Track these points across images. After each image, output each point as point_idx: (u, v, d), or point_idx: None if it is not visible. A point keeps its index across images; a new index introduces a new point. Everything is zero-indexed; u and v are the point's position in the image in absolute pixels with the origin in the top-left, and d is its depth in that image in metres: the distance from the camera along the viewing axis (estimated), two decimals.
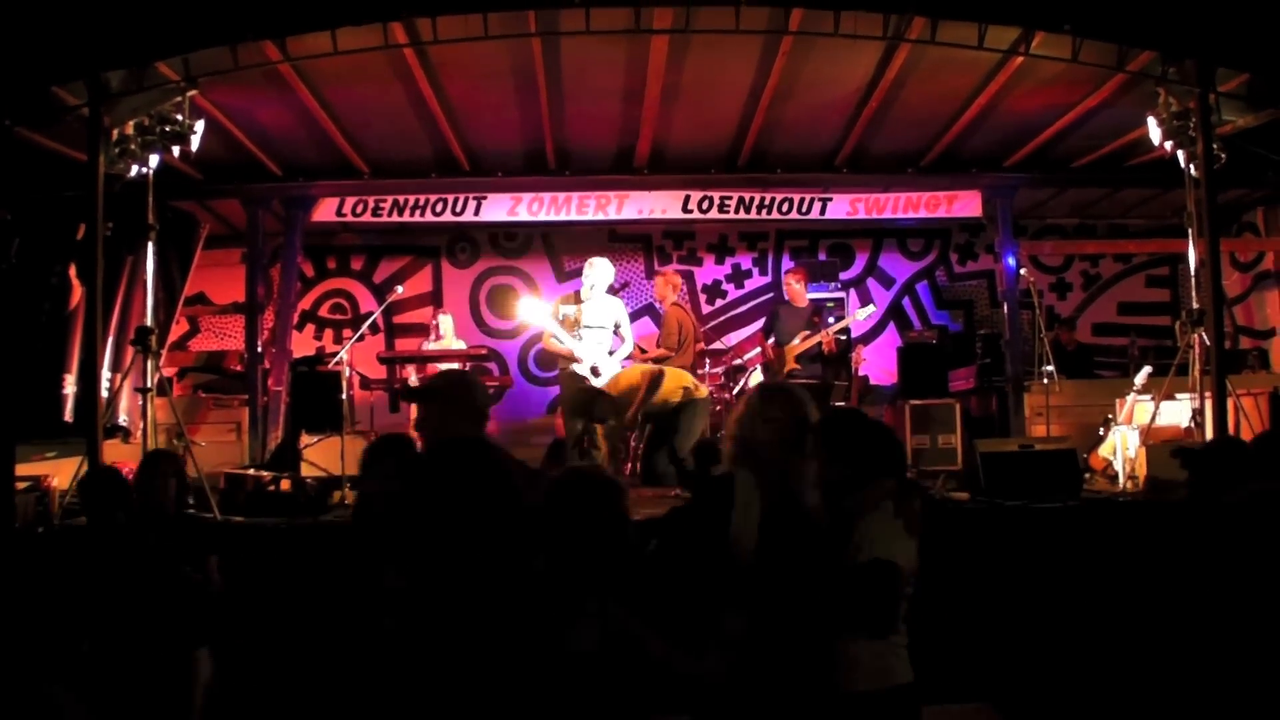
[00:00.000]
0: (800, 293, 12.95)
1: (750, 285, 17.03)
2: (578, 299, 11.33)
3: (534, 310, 12.06)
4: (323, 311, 16.81)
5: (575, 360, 11.12)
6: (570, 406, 11.14)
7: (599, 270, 11.37)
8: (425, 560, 4.44)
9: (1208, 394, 9.64)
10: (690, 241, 16.94)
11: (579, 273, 16.17)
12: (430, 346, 13.45)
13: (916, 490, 4.83)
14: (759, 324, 15.52)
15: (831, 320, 13.53)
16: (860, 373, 13.89)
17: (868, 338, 15.97)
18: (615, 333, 11.35)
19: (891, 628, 4.22)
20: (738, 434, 4.49)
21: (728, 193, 14.05)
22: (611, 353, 11.29)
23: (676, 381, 11.07)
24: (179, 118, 9.68)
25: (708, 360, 13.80)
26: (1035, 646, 7.41)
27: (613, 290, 12.08)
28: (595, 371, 10.98)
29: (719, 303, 16.88)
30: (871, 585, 4.09)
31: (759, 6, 9.08)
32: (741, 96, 11.51)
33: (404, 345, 15.87)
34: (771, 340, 12.83)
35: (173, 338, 13.67)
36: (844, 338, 13.24)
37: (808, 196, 14.14)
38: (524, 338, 16.64)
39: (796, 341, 12.37)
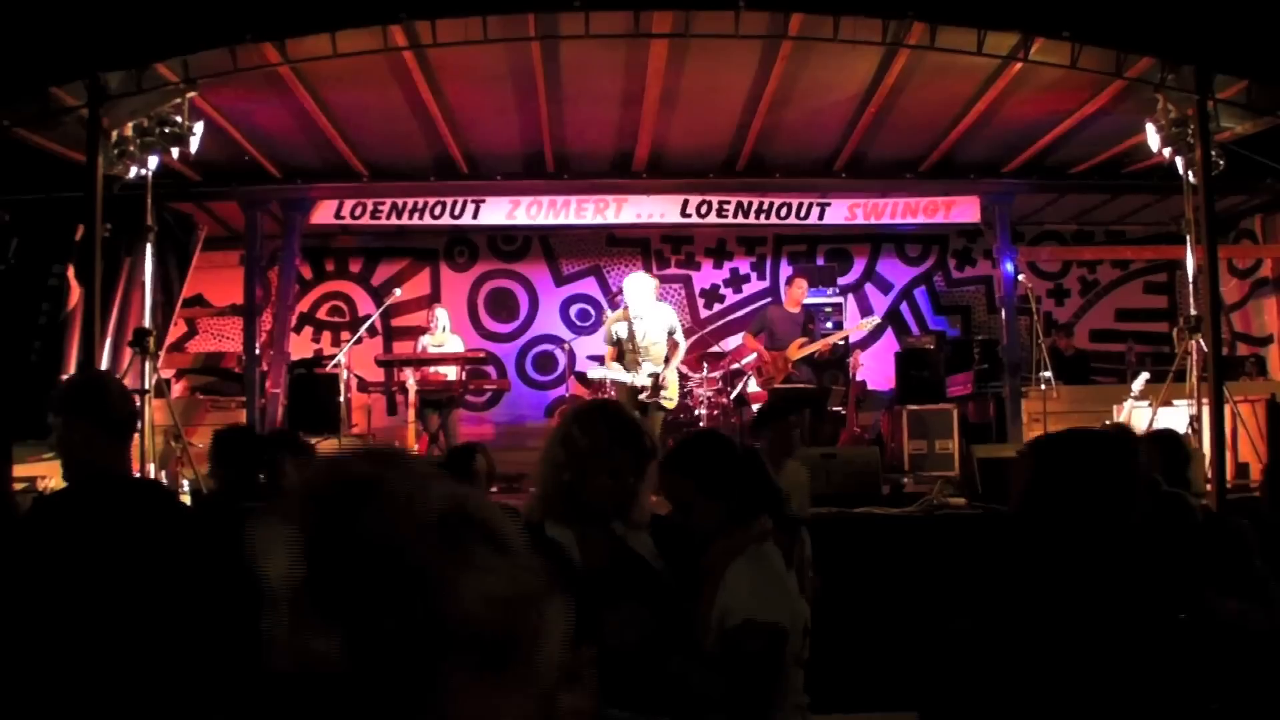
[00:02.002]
0: (799, 299, 12.96)
1: (748, 290, 17.04)
2: (627, 316, 11.20)
3: (599, 371, 11.91)
4: (321, 314, 16.82)
5: (639, 389, 11.06)
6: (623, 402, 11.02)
7: (636, 287, 11.22)
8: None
9: (1205, 401, 9.64)
10: (688, 246, 16.95)
11: (577, 276, 16.29)
12: (427, 340, 13.44)
13: (799, 528, 4.56)
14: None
15: (829, 325, 13.54)
16: (858, 378, 13.89)
17: (865, 343, 15.95)
18: (670, 338, 11.24)
19: (772, 708, 3.59)
20: (553, 477, 3.65)
21: (726, 197, 14.05)
22: (668, 360, 11.17)
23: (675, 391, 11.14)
24: (178, 119, 9.67)
25: (705, 364, 13.81)
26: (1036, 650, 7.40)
27: (662, 296, 11.96)
28: (658, 384, 10.88)
29: (716, 307, 16.89)
30: (742, 655, 3.46)
31: (758, 11, 9.08)
32: (740, 101, 11.52)
33: (402, 348, 15.86)
34: (765, 345, 12.82)
35: (171, 339, 13.68)
36: (841, 342, 13.25)
37: (806, 201, 14.13)
38: (522, 341, 16.66)
39: (792, 348, 12.37)
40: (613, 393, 11.43)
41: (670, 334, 11.11)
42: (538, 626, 1.48)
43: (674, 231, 16.43)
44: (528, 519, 3.64)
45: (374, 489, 1.49)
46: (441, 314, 13.58)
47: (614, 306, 14.95)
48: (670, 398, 10.91)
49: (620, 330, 11.03)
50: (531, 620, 1.48)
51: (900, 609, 7.32)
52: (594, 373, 11.63)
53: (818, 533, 6.03)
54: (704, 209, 14.05)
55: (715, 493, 3.76)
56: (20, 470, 8.75)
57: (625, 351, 10.95)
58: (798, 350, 12.26)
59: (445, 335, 13.42)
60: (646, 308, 11.00)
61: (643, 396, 10.78)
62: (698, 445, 4.07)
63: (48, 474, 8.87)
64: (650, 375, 10.76)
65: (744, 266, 17.12)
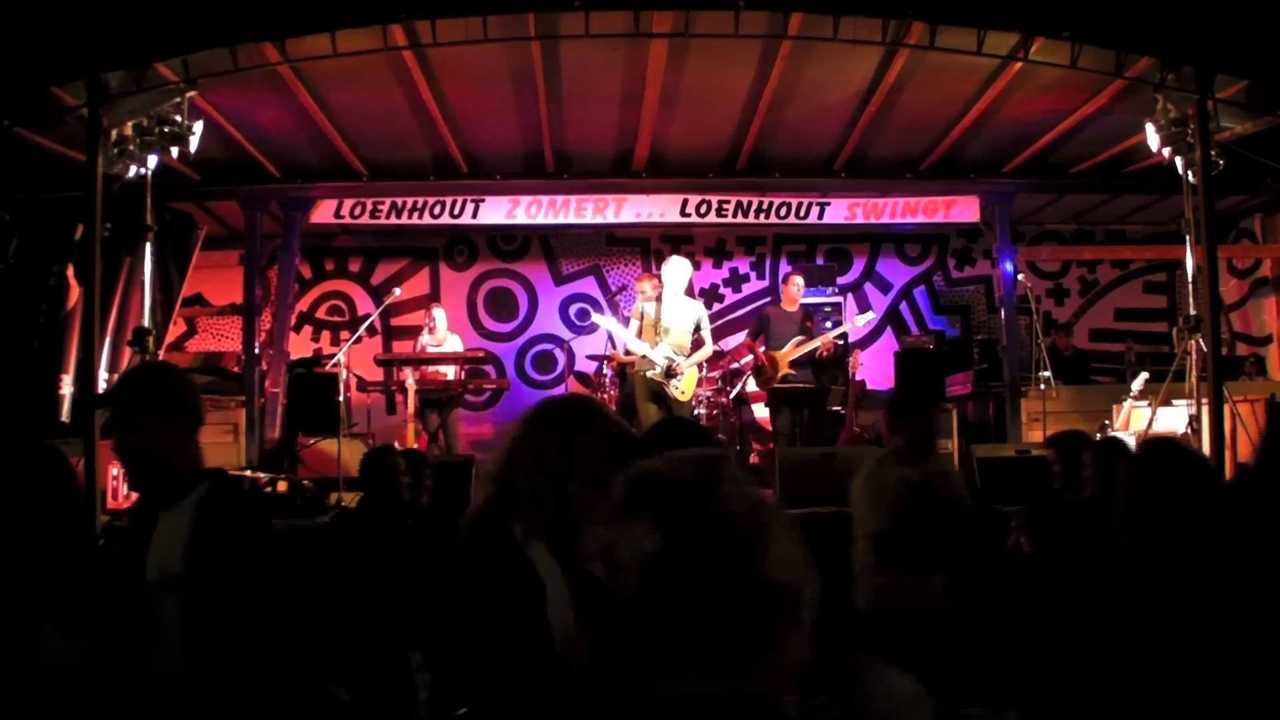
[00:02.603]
0: (796, 297, 12.94)
1: (748, 289, 17.05)
2: (659, 299, 11.17)
3: (605, 319, 11.88)
4: (320, 313, 16.82)
5: (650, 364, 10.99)
6: (643, 394, 10.97)
7: (674, 270, 11.16)
8: None
9: (1204, 400, 9.64)
10: (688, 245, 16.91)
11: (577, 276, 16.28)
12: (426, 340, 13.43)
13: None
14: None
15: (829, 325, 13.53)
16: (857, 377, 13.88)
17: (865, 342, 15.96)
18: (696, 334, 11.19)
19: None
20: (538, 483, 3.21)
21: (726, 197, 14.05)
22: (692, 354, 11.12)
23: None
24: (178, 119, 9.68)
25: (705, 364, 13.79)
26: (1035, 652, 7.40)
27: (690, 292, 11.90)
28: (672, 372, 10.84)
29: (716, 306, 16.86)
30: None
31: (758, 11, 9.08)
32: (740, 100, 11.52)
33: (401, 347, 15.84)
34: (763, 347, 12.80)
35: (170, 338, 13.67)
36: (841, 342, 13.25)
37: (806, 201, 14.14)
38: (521, 340, 16.67)
39: (790, 346, 12.35)
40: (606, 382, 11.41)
41: (697, 328, 11.08)
42: (809, 582, 2.00)
43: (673, 231, 16.42)
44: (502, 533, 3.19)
45: (716, 482, 2.06)
46: (439, 314, 13.57)
47: (613, 306, 14.95)
48: (683, 390, 10.86)
49: (648, 309, 11.00)
50: (807, 578, 2.00)
51: None
52: (604, 320, 11.61)
53: (818, 531, 6.02)
54: (703, 208, 14.05)
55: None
56: None
57: (645, 329, 10.93)
58: (794, 350, 12.23)
59: (444, 334, 13.41)
60: (677, 293, 11.00)
61: (651, 373, 10.75)
62: (674, 432, 3.83)
63: None
64: (666, 357, 10.73)
65: (743, 266, 17.12)
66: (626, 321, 11.55)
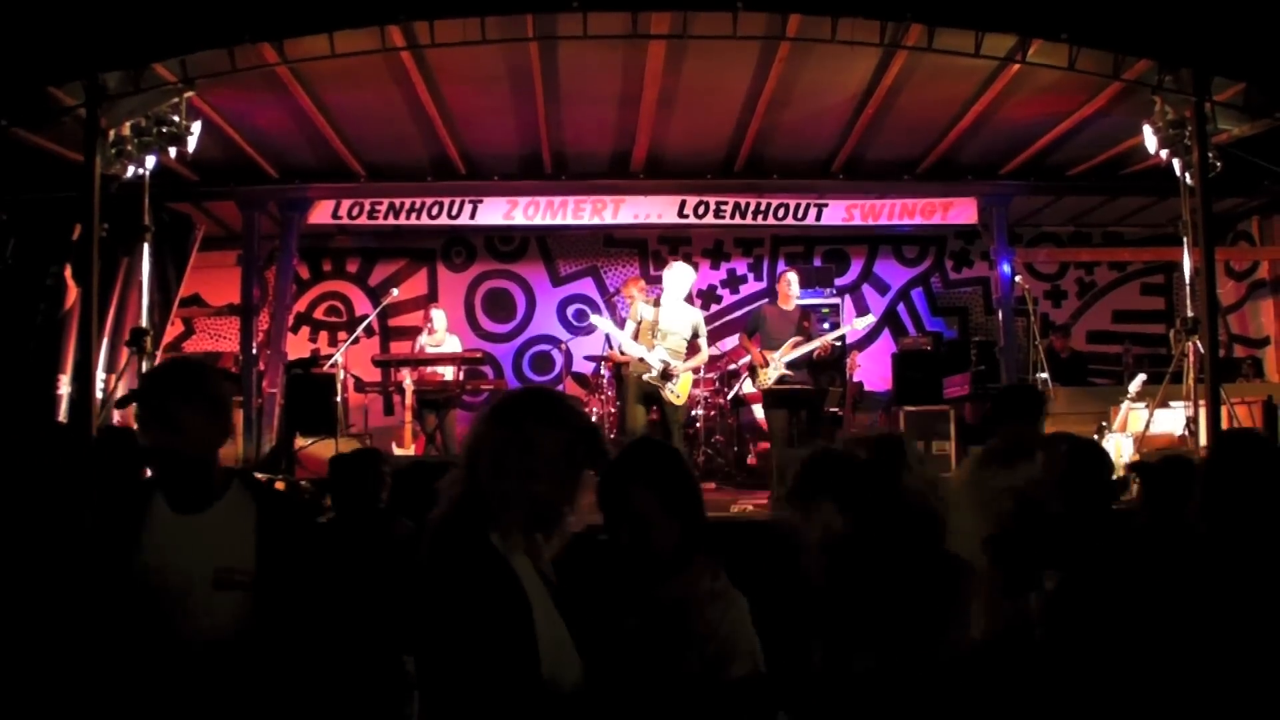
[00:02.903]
0: (793, 296, 12.92)
1: (745, 291, 17.05)
2: (658, 302, 11.11)
3: (603, 321, 11.85)
4: (318, 314, 16.81)
5: (645, 367, 10.89)
6: (634, 396, 10.94)
7: (676, 275, 11.08)
8: None
9: (1202, 402, 9.65)
10: (686, 246, 16.93)
11: (574, 277, 16.29)
12: (424, 341, 13.43)
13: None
14: None
15: (826, 326, 13.52)
16: (855, 379, 13.89)
17: (862, 344, 15.95)
18: (693, 340, 11.14)
19: None
20: (517, 487, 2.99)
21: (724, 198, 14.05)
22: (685, 359, 11.07)
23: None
24: (176, 119, 9.67)
25: (702, 365, 13.80)
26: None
27: (690, 299, 11.86)
28: (667, 374, 10.79)
29: (714, 308, 16.87)
30: (749, 710, 3.08)
31: (756, 12, 9.07)
32: (738, 102, 11.52)
33: (399, 348, 15.85)
34: (759, 347, 12.78)
35: (167, 339, 13.66)
36: (839, 343, 13.23)
37: (803, 202, 14.13)
38: (519, 341, 16.67)
39: (787, 345, 12.33)
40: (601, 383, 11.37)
41: (694, 335, 11.03)
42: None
43: (671, 232, 16.44)
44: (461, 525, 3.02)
45: (902, 460, 2.42)
46: (438, 315, 13.55)
47: (610, 307, 14.95)
48: (677, 394, 10.83)
49: (647, 312, 10.96)
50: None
51: None
52: (613, 331, 11.54)
53: None
54: (701, 210, 14.04)
55: (678, 510, 3.28)
56: None
57: (643, 332, 10.88)
58: (789, 349, 12.21)
59: (443, 335, 13.40)
60: (677, 298, 10.95)
61: (647, 376, 10.70)
62: (657, 453, 3.50)
63: None
64: (662, 360, 10.68)
65: (741, 267, 17.12)
66: (623, 323, 11.54)
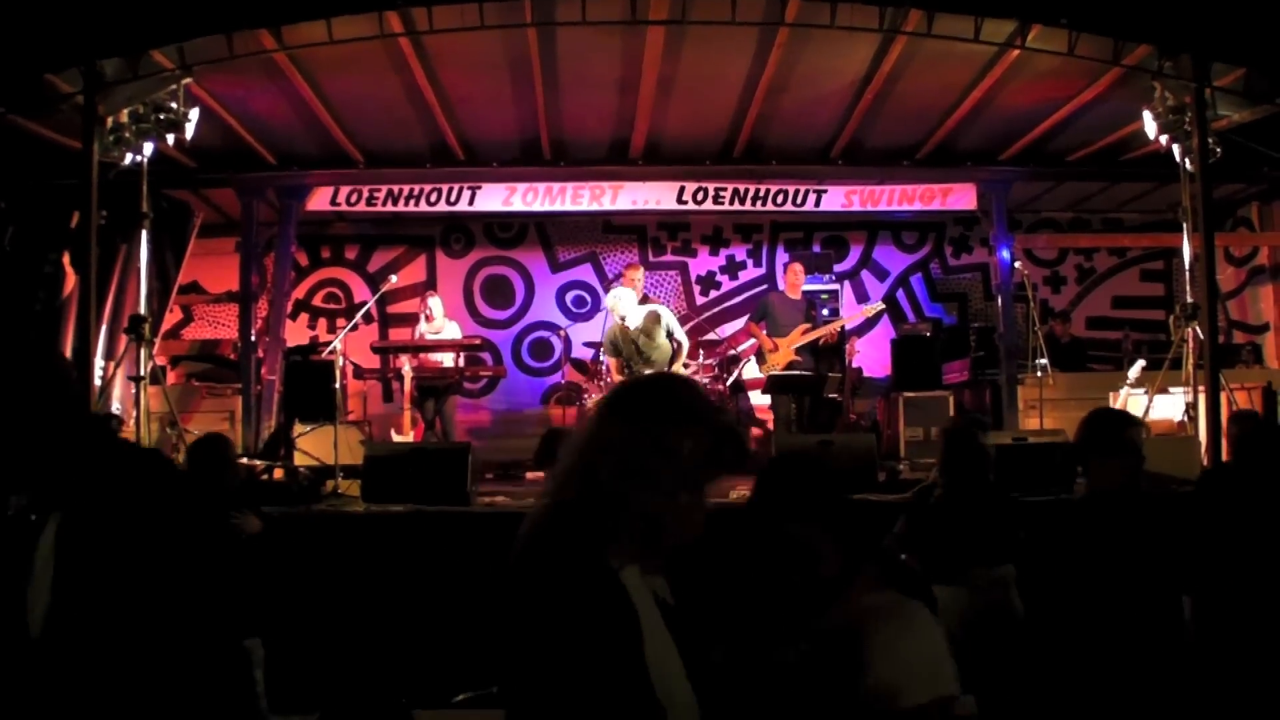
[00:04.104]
0: (800, 285, 12.94)
1: (745, 277, 17.01)
2: (623, 326, 10.99)
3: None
4: (317, 301, 16.79)
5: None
6: None
7: (617, 301, 11.00)
8: None
9: (1201, 388, 9.66)
10: (685, 233, 16.92)
11: (573, 263, 16.30)
12: (423, 329, 13.42)
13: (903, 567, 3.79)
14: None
15: (827, 312, 13.53)
16: (854, 365, 13.89)
17: (861, 330, 15.95)
18: (670, 338, 11.08)
19: None
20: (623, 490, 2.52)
21: (723, 184, 14.02)
22: (673, 362, 11.01)
23: None
24: (174, 106, 9.66)
25: (701, 351, 13.80)
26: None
27: (645, 300, 11.80)
28: None
29: (713, 294, 16.86)
30: None
31: None
32: (737, 88, 11.51)
33: (398, 335, 15.83)
34: (765, 330, 12.76)
35: (166, 326, 13.68)
36: (840, 330, 13.24)
37: (803, 188, 14.10)
38: (518, 328, 16.66)
39: (796, 333, 12.34)
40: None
41: (670, 335, 10.98)
42: None
43: (670, 218, 16.41)
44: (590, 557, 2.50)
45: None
46: (435, 303, 13.53)
47: (609, 293, 14.95)
48: None
49: (618, 339, 10.93)
50: None
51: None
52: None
53: None
54: (700, 196, 14.02)
55: (842, 534, 3.03)
56: None
57: (628, 360, 10.85)
58: (800, 336, 12.22)
59: (442, 322, 13.39)
60: (635, 315, 10.90)
61: None
62: (810, 474, 3.17)
63: None
64: None
65: (740, 253, 17.09)
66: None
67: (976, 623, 5.38)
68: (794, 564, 2.96)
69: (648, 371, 10.67)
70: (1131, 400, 11.14)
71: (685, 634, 2.61)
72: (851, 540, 3.00)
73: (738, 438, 2.66)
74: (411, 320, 14.92)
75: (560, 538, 2.52)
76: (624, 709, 2.34)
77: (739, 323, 15.99)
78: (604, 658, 2.36)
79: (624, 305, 10.96)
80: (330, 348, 12.46)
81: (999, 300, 13.70)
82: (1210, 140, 9.80)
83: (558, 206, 14.18)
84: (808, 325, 12.40)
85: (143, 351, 9.54)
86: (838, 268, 16.16)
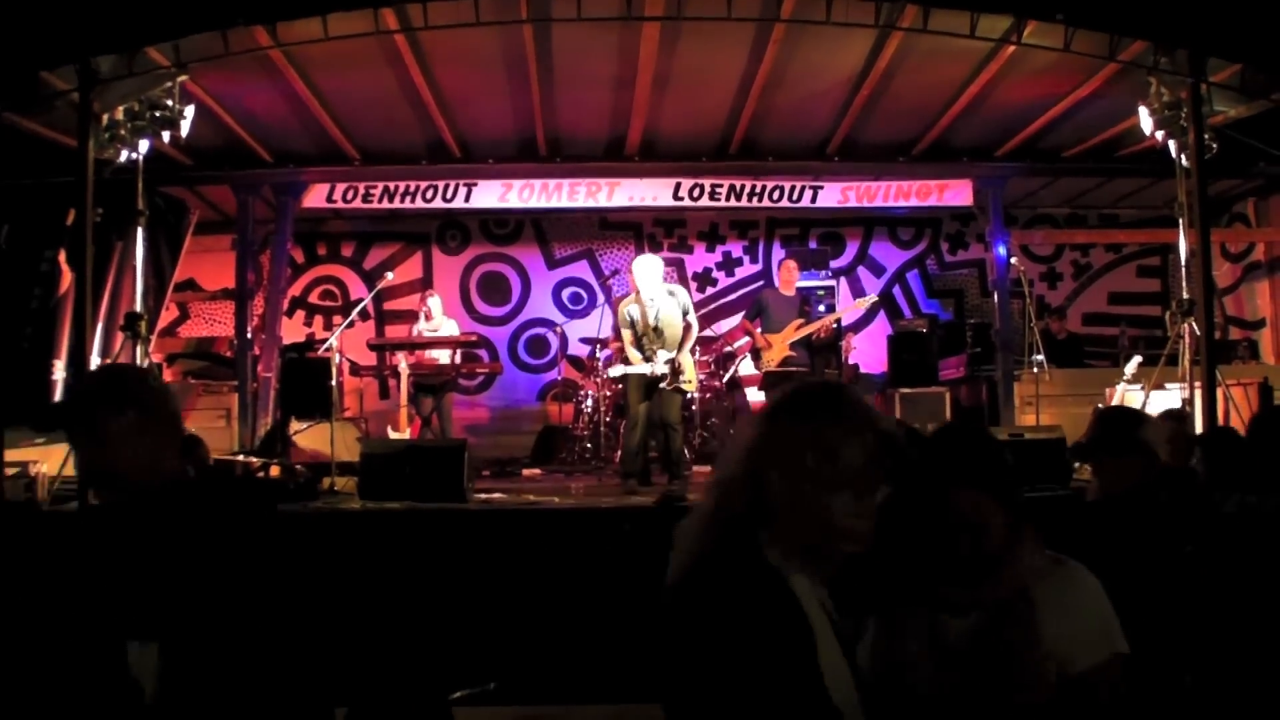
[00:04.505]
0: (793, 281, 12.94)
1: (741, 273, 17.04)
2: (640, 300, 10.90)
3: (620, 369, 11.59)
4: (313, 298, 16.80)
5: (658, 378, 10.65)
6: (635, 388, 10.85)
7: (645, 269, 10.88)
8: None
9: (1197, 384, 9.65)
10: (681, 229, 16.94)
11: (570, 260, 16.28)
12: (421, 327, 13.42)
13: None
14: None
15: (822, 308, 13.53)
16: (850, 361, 13.89)
17: (858, 326, 15.98)
18: (684, 319, 11.00)
19: None
20: (796, 496, 2.50)
21: (719, 180, 14.03)
22: (683, 343, 10.93)
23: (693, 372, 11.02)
24: (169, 103, 9.66)
25: (697, 348, 13.79)
26: None
27: (668, 277, 11.73)
28: (676, 369, 10.69)
29: (709, 290, 16.88)
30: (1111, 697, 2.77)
31: None
32: (733, 84, 11.50)
33: (394, 332, 15.85)
34: (760, 329, 12.76)
35: (162, 324, 13.66)
36: (835, 325, 13.24)
37: (799, 184, 14.12)
38: (514, 324, 16.66)
39: (789, 328, 12.34)
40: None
41: (684, 314, 10.89)
42: None
43: (666, 215, 16.43)
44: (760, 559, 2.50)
45: None
46: (434, 301, 13.52)
47: (605, 290, 14.94)
48: (689, 379, 10.76)
49: (634, 312, 10.82)
50: None
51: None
52: (614, 371, 11.37)
53: None
54: (696, 192, 14.03)
55: (1009, 502, 2.98)
56: (11, 455, 8.73)
57: (640, 335, 10.76)
58: (794, 332, 12.22)
59: (440, 320, 13.38)
60: (657, 289, 10.80)
61: (663, 385, 10.62)
62: (976, 444, 3.15)
63: (39, 459, 8.85)
64: (667, 362, 10.57)
65: (736, 250, 17.11)
66: (615, 305, 11.49)
67: None
68: (962, 535, 2.93)
69: (660, 349, 10.61)
70: (1128, 396, 11.14)
71: (848, 640, 2.62)
72: (1018, 507, 2.98)
73: (898, 444, 2.62)
74: (408, 317, 14.94)
75: (731, 547, 2.49)
76: (787, 708, 2.33)
77: (735, 319, 15.99)
78: (782, 668, 2.34)
79: (646, 275, 10.80)
80: (326, 345, 12.46)
81: (995, 296, 13.70)
82: (1206, 136, 9.78)
83: (554, 203, 14.20)
84: (801, 321, 12.40)
85: (139, 349, 9.52)
86: (834, 264, 16.18)
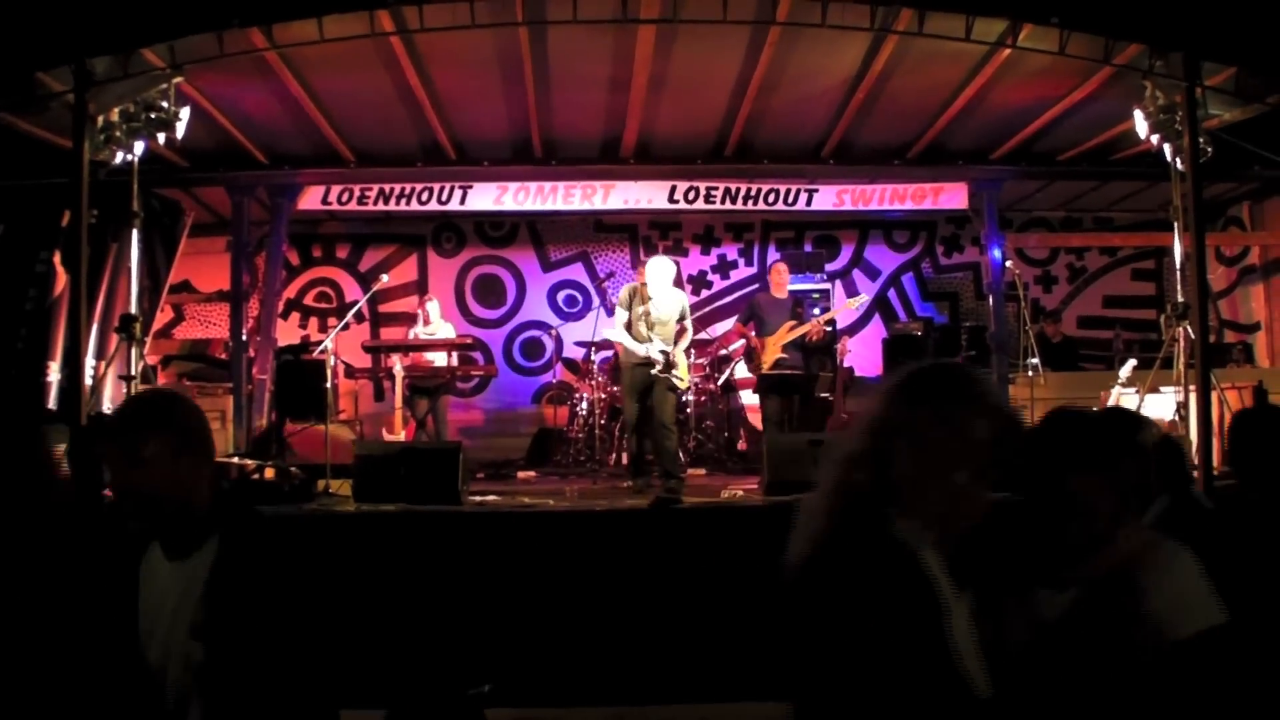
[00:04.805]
0: (784, 284, 12.95)
1: (736, 276, 17.04)
2: (644, 292, 10.93)
3: (613, 332, 11.73)
4: (308, 300, 16.79)
5: (650, 360, 10.73)
6: (629, 387, 10.89)
7: (660, 267, 10.95)
8: None
9: (1192, 388, 9.65)
10: (676, 232, 16.94)
11: (565, 262, 16.27)
12: (419, 332, 13.41)
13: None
14: None
15: (816, 311, 13.53)
16: (845, 364, 13.89)
17: (853, 329, 15.97)
18: (680, 322, 11.01)
19: None
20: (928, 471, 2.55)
21: (714, 183, 14.03)
22: (676, 342, 10.93)
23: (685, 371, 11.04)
24: (164, 105, 9.64)
25: (692, 350, 13.79)
26: None
27: (678, 283, 11.76)
28: (670, 364, 10.69)
29: (705, 293, 16.88)
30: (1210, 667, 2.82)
31: None
32: (728, 87, 11.51)
33: (389, 334, 15.86)
34: (754, 333, 12.76)
35: (157, 325, 13.63)
36: (830, 328, 13.24)
37: (794, 187, 14.12)
38: (509, 327, 16.66)
39: (782, 330, 12.35)
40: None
41: (680, 319, 10.93)
42: None
43: (662, 217, 16.43)
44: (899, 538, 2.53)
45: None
46: (433, 307, 13.53)
47: (600, 293, 14.92)
48: (681, 377, 10.79)
49: (634, 300, 10.86)
50: None
51: None
52: (609, 332, 11.42)
53: None
54: (691, 195, 14.03)
55: (1120, 483, 3.07)
56: None
57: (635, 320, 10.79)
58: (787, 334, 12.24)
59: (438, 325, 13.39)
60: (663, 290, 10.84)
61: (654, 370, 10.63)
62: (1090, 428, 3.24)
63: None
64: (661, 351, 10.59)
65: (731, 253, 17.11)
66: (612, 309, 11.50)
67: None
68: (1073, 517, 3.01)
69: (654, 337, 10.63)
70: (1123, 399, 11.14)
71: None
72: (1127, 489, 3.06)
73: (1019, 425, 2.72)
74: (403, 319, 14.95)
75: (862, 523, 2.54)
76: (938, 691, 2.36)
77: (730, 322, 15.99)
78: (919, 644, 2.38)
79: (658, 273, 10.83)
80: (321, 347, 12.43)
81: (990, 299, 13.73)
82: (1201, 139, 9.79)
83: (549, 206, 14.19)
84: (793, 323, 12.41)
85: (134, 351, 9.50)
86: (829, 267, 16.17)
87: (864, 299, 14.32)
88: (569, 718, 6.88)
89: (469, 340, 14.25)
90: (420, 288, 16.41)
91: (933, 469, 2.53)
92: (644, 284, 10.79)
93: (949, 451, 2.52)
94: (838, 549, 2.52)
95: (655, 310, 10.69)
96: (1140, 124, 10.31)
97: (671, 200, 14.08)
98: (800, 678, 2.54)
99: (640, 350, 10.61)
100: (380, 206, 13.91)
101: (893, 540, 2.48)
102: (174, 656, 3.18)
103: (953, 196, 14.07)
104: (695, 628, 7.37)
